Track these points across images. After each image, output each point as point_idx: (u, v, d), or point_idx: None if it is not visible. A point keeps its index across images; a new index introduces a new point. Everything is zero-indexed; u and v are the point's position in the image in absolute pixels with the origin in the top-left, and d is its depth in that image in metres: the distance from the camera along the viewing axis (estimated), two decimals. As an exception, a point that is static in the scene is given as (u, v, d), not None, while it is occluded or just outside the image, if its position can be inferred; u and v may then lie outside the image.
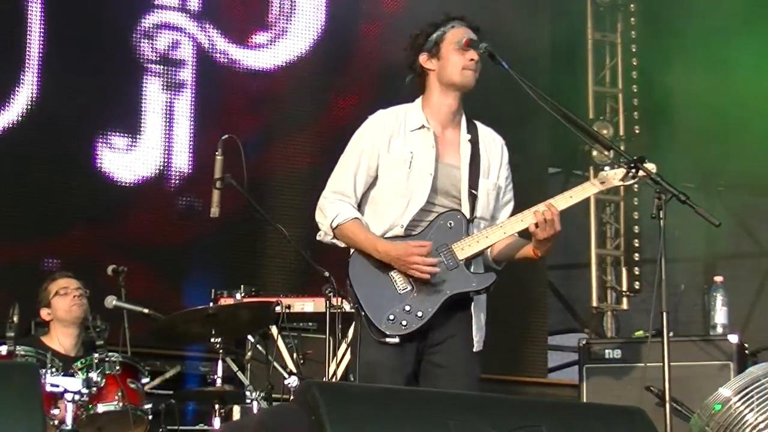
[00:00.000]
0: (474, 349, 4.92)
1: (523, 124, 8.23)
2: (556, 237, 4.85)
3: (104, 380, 5.99)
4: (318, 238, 5.05)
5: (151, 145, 8.47)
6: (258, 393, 6.28)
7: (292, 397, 5.62)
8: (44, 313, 6.58)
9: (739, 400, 5.59)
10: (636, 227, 9.96)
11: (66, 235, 8.14)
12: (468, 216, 4.93)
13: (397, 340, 4.78)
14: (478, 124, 5.13)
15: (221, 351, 6.08)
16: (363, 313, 4.83)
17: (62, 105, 8.22)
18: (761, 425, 5.50)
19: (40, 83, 8.24)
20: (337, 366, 6.50)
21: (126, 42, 8.49)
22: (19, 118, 8.18)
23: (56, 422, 5.78)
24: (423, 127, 5.00)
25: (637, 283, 9.92)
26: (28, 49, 8.23)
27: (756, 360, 7.26)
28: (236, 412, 6.63)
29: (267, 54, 8.89)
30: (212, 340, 6.01)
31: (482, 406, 3.83)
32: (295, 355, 6.73)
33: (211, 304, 6.81)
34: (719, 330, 7.16)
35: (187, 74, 8.64)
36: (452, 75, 4.98)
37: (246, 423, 5.57)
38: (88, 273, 6.90)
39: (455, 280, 4.86)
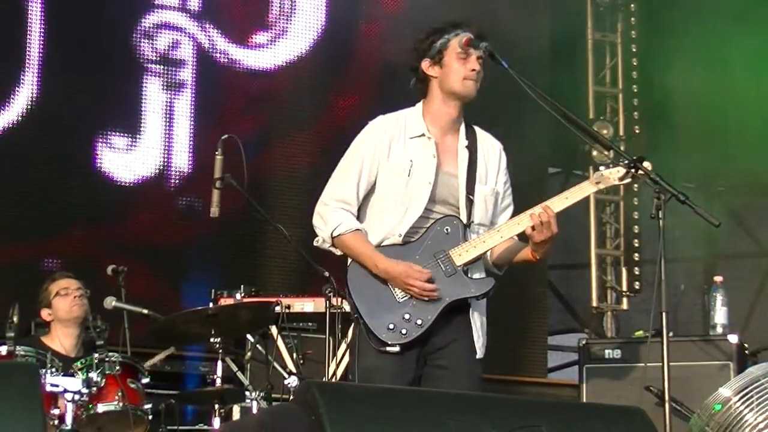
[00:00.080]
0: (477, 356, 4.92)
1: (523, 124, 8.23)
2: (554, 239, 4.85)
3: (104, 380, 5.98)
4: (315, 244, 5.04)
5: (151, 145, 8.47)
6: (258, 393, 6.28)
7: (291, 397, 5.61)
8: (45, 313, 6.58)
9: (739, 400, 5.59)
10: (636, 227, 9.96)
11: (66, 235, 8.14)
12: (465, 221, 4.93)
13: (397, 349, 4.78)
14: (477, 129, 5.11)
15: (221, 351, 6.09)
16: (362, 322, 4.82)
17: (62, 105, 8.22)
18: (761, 425, 5.50)
19: (40, 83, 8.23)
20: (337, 366, 6.50)
21: (126, 42, 8.49)
22: (19, 118, 8.18)
23: (56, 422, 5.78)
24: (423, 135, 4.98)
25: (637, 283, 9.92)
26: (28, 49, 8.23)
27: (756, 360, 7.26)
28: (236, 412, 6.63)
29: (267, 54, 8.89)
30: (212, 340, 6.01)
31: (482, 406, 3.83)
32: (294, 355, 6.73)
33: (211, 305, 6.81)
34: (719, 330, 7.16)
35: (187, 74, 8.64)
36: (454, 84, 4.96)
37: (246, 423, 5.57)
38: (88, 273, 6.90)
39: (454, 287, 4.86)
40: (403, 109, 5.08)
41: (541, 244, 4.86)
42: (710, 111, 9.49)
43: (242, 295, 7.00)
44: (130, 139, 8.41)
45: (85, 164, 8.29)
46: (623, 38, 10.21)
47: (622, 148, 9.23)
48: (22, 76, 8.20)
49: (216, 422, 6.03)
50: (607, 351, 7.21)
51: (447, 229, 4.90)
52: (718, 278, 7.42)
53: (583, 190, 4.99)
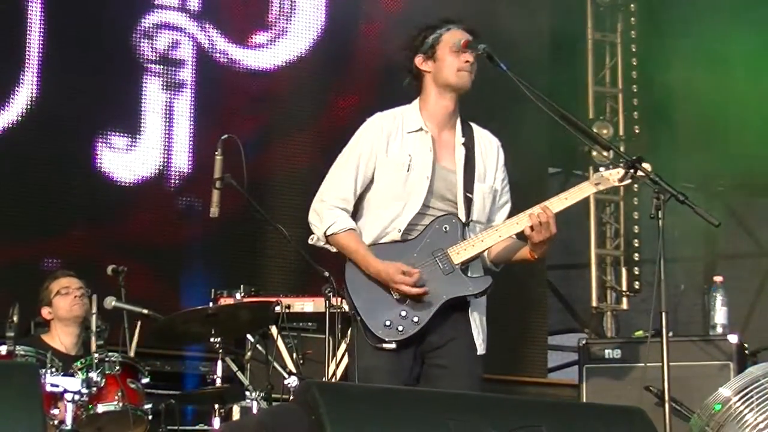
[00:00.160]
0: (478, 353, 4.92)
1: (523, 124, 8.23)
2: (553, 239, 4.86)
3: (104, 380, 5.98)
4: (310, 241, 5.05)
5: (151, 145, 8.46)
6: (258, 393, 6.28)
7: (291, 397, 5.61)
8: (45, 311, 6.59)
9: (739, 400, 5.59)
10: (636, 227, 9.96)
11: (66, 235, 8.14)
12: (464, 220, 4.93)
13: (393, 345, 4.78)
14: (474, 126, 5.12)
15: (221, 351, 6.09)
16: (359, 319, 4.83)
17: (62, 105, 8.21)
18: (761, 425, 5.50)
19: (40, 83, 8.23)
20: (337, 366, 6.50)
21: (126, 42, 8.49)
22: (19, 118, 8.17)
23: (56, 422, 5.78)
24: (421, 129, 5.00)
25: (636, 283, 9.92)
26: (28, 49, 8.22)
27: (756, 360, 7.26)
28: (236, 412, 6.63)
29: (267, 54, 8.89)
30: (212, 340, 6.01)
31: (482, 406, 3.83)
32: (294, 355, 6.73)
33: (211, 304, 6.80)
34: (719, 330, 7.16)
35: (187, 74, 8.64)
36: (448, 76, 4.98)
37: (246, 423, 5.57)
38: (88, 273, 6.90)
39: (451, 285, 4.86)
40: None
41: (539, 244, 4.87)
42: (710, 111, 9.48)
43: (242, 295, 7.00)
44: (130, 139, 8.41)
45: (85, 164, 8.29)
46: (623, 38, 10.21)
47: (621, 148, 9.24)
48: (22, 76, 8.20)
49: (216, 422, 6.02)
50: (607, 351, 7.21)
51: (446, 228, 4.91)
52: (718, 278, 7.42)
53: (583, 191, 4.99)
